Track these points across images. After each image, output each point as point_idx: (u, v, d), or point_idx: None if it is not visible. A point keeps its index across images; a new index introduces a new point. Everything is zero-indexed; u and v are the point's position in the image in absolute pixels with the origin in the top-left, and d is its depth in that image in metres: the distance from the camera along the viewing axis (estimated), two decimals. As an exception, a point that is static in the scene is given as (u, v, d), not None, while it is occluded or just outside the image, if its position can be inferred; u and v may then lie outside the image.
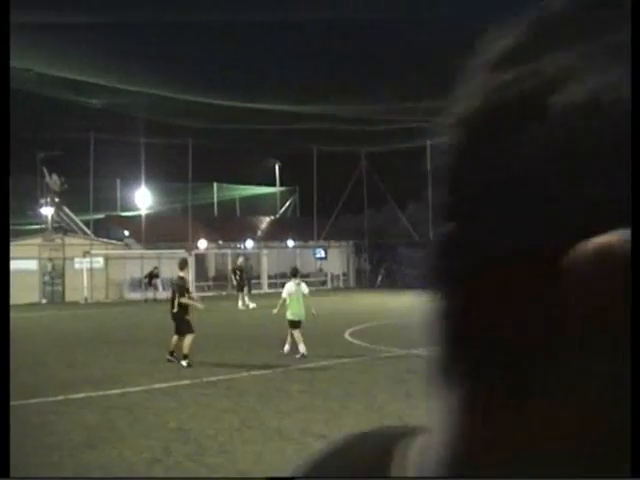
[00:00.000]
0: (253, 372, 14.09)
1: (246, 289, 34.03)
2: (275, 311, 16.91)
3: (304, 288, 16.97)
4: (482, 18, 32.38)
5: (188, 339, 15.18)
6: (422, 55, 34.45)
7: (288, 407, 10.68)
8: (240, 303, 33.06)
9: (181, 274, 16.23)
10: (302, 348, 15.75)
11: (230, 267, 47.90)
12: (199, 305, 16.93)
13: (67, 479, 7.93)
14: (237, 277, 34.66)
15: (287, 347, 16.28)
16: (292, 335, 16.19)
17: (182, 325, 15.27)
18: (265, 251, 52.87)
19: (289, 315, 16.30)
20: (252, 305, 32.91)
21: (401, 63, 36.20)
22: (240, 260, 36.14)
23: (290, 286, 16.76)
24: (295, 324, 16.18)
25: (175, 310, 15.66)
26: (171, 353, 15.29)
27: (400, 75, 37.18)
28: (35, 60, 31.57)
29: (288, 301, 16.46)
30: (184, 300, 15.67)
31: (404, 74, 36.59)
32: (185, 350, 15.04)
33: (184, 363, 14.80)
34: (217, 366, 15.05)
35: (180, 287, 15.95)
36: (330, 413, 10.17)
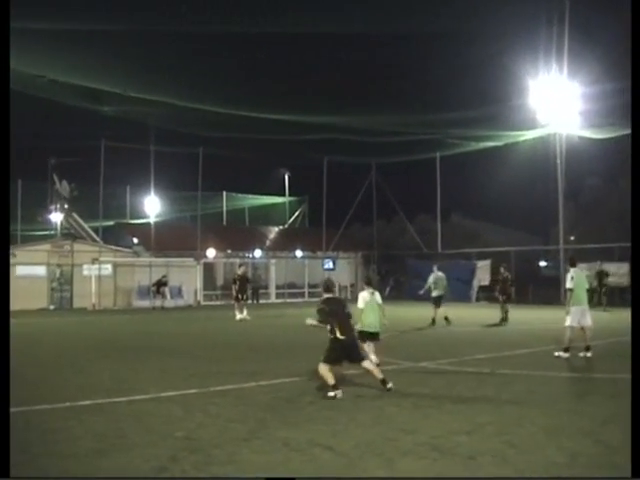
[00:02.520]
0: (262, 382, 14.08)
1: (249, 299, 32.90)
2: (359, 326, 14.87)
3: (378, 297, 15.55)
4: (492, 34, 32.44)
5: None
6: (433, 69, 34.50)
7: (296, 418, 10.68)
8: (238, 313, 32.32)
9: None
10: (374, 359, 14.83)
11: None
12: None
13: (67, 479, 7.92)
14: (236, 286, 32.97)
15: (374, 357, 15.02)
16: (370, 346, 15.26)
17: None
18: (273, 261, 52.90)
19: (362, 327, 15.10)
20: (240, 316, 32.15)
21: (413, 76, 36.25)
22: (242, 269, 34.60)
23: (365, 295, 15.35)
24: (368, 336, 15.23)
25: None
26: None
27: (411, 87, 37.25)
28: (49, 67, 31.67)
29: (362, 312, 15.18)
30: None
31: (416, 87, 36.64)
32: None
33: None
34: (226, 376, 15.07)
35: None
36: (338, 424, 10.15)
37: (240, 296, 32.71)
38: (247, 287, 34.83)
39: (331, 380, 12.46)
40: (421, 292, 30.13)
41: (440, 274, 29.83)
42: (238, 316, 32.10)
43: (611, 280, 38.22)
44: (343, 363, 13.14)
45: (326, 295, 13.62)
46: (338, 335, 12.68)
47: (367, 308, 15.16)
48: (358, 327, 14.81)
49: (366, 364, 13.24)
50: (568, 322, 17.71)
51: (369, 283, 15.89)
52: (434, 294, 29.29)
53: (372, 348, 15.32)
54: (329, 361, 12.72)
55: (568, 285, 17.93)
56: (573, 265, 18.42)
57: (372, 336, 15.26)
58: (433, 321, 28.39)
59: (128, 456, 8.60)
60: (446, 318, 28.38)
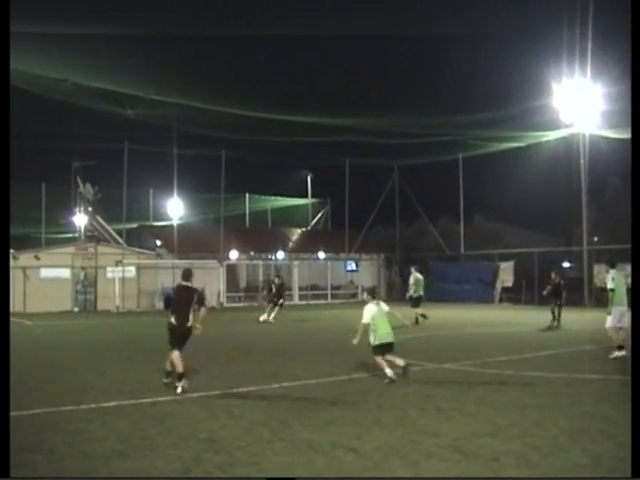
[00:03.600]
0: (284, 384, 14.12)
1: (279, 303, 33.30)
2: (355, 341, 14.53)
3: (385, 306, 14.90)
4: (515, 35, 32.36)
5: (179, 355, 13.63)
6: (456, 70, 34.42)
7: (319, 419, 10.70)
8: (265, 316, 32.52)
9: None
10: (389, 372, 14.24)
11: (263, 278, 47.99)
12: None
13: (67, 479, 7.97)
14: (272, 290, 33.84)
15: (389, 371, 14.25)
16: (387, 360, 14.48)
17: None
18: (296, 262, 52.93)
19: (377, 340, 14.45)
20: (264, 318, 32.49)
21: (436, 78, 36.19)
22: (275, 277, 35.57)
23: (370, 308, 14.67)
24: (386, 348, 14.54)
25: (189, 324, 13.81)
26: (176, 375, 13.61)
27: (433, 89, 37.19)
28: (71, 70, 31.87)
29: (372, 326, 14.49)
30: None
31: (438, 88, 36.58)
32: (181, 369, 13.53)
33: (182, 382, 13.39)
34: (248, 377, 15.10)
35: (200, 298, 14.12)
36: (361, 426, 10.17)
37: (277, 300, 33.27)
38: (284, 293, 35.49)
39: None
40: (410, 294, 30.70)
41: (419, 276, 30.81)
42: (262, 317, 32.31)
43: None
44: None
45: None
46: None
47: (378, 320, 14.55)
48: (373, 342, 14.54)
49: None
50: (609, 323, 17.63)
51: (373, 294, 15.43)
52: (415, 295, 30.15)
53: (395, 359, 14.60)
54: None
55: (609, 285, 17.85)
56: (613, 266, 18.32)
57: (389, 347, 14.64)
58: (417, 320, 28.87)
59: (151, 457, 8.65)
60: (423, 315, 29.42)
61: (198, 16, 27.89)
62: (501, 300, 47.13)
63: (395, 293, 51.44)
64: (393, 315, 15.11)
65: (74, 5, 24.80)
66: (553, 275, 28.80)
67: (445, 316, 34.72)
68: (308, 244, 56.25)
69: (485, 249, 52.01)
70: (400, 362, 14.54)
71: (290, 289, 52.14)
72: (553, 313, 27.86)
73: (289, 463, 8.32)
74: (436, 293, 49.44)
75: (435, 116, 37.30)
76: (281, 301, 33.55)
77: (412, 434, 9.68)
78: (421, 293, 30.38)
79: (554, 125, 41.13)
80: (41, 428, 10.29)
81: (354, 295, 53.64)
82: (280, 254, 52.61)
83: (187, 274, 14.35)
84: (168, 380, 13.83)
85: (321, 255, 53.90)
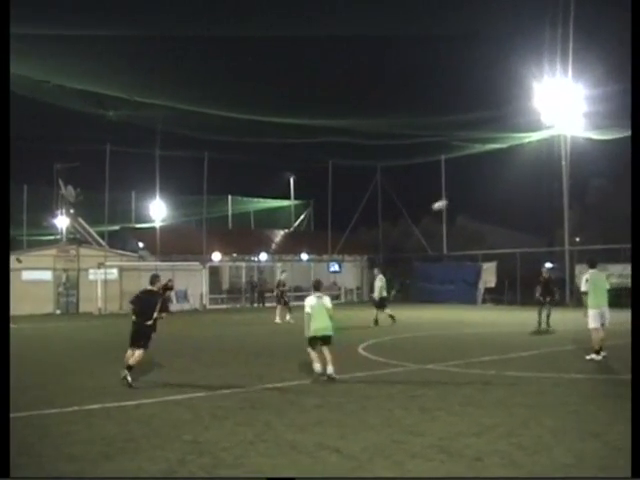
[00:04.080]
0: (268, 385, 14.11)
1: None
2: (308, 332, 14.89)
3: (327, 302, 15.05)
4: (497, 36, 32.45)
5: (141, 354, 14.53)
6: (438, 71, 34.47)
7: (303, 421, 10.69)
8: (279, 318, 32.99)
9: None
10: (330, 369, 14.49)
11: (246, 280, 47.89)
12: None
13: (67, 479, 7.95)
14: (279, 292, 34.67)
15: (317, 366, 14.60)
16: (322, 352, 14.71)
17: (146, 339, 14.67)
18: (279, 264, 52.88)
19: (311, 332, 14.77)
20: (279, 320, 32.95)
21: (417, 79, 36.23)
22: (284, 275, 36.63)
23: (309, 300, 15.06)
24: (319, 341, 14.77)
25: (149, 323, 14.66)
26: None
27: (415, 90, 37.23)
28: (53, 71, 31.73)
29: (310, 317, 14.81)
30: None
31: (420, 89, 36.62)
32: (132, 362, 14.38)
33: (126, 373, 14.14)
34: (234, 378, 15.09)
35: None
36: (346, 427, 10.17)
37: (284, 301, 34.11)
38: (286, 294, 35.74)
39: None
40: (375, 296, 30.99)
41: (382, 278, 31.05)
42: (278, 319, 32.92)
43: (617, 281, 38.09)
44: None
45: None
46: None
47: (315, 312, 14.79)
48: (307, 333, 14.85)
49: None
50: (591, 325, 17.62)
51: (317, 288, 15.55)
52: (378, 297, 30.39)
53: (329, 357, 14.67)
54: None
55: (583, 288, 17.84)
56: (593, 266, 18.25)
57: (324, 340, 14.78)
58: (376, 322, 29.58)
59: (136, 459, 8.62)
60: (376, 320, 29.67)
61: (181, 17, 27.84)
62: (484, 301, 47.26)
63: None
64: (331, 312, 14.99)
65: (55, 6, 24.68)
66: (543, 272, 28.25)
67: (428, 317, 34.82)
68: (291, 246, 56.25)
69: (468, 250, 52.14)
70: (329, 369, 14.46)
71: (272, 290, 52.13)
72: (540, 315, 26.86)
73: (273, 464, 8.31)
74: (420, 294, 49.64)
75: (418, 117, 37.36)
76: (285, 300, 34.20)
77: (397, 434, 9.68)
78: (384, 294, 30.65)
79: (536, 126, 41.31)
80: (28, 431, 10.23)
81: (337, 297, 53.61)
82: (263, 256, 52.58)
83: (152, 279, 15.47)
84: (125, 374, 14.21)
85: (304, 257, 53.89)
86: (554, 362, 17.44)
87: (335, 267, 55.58)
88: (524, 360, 18.07)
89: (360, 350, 20.27)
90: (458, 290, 48.31)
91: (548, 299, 27.18)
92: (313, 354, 14.80)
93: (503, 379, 14.65)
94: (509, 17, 30.47)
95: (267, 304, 48.69)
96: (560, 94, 39.31)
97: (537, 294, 27.58)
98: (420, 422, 10.52)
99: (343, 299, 54.26)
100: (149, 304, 14.86)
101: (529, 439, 9.33)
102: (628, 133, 36.77)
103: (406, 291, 51.89)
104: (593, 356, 17.40)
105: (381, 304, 30.21)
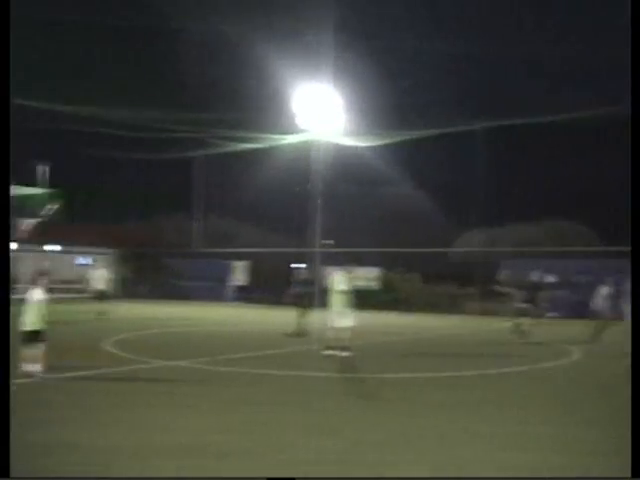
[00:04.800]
0: None
1: None
2: (21, 327, 13.49)
3: (40, 295, 13.88)
4: (263, 37, 32.78)
5: None
6: (196, 66, 34.32)
7: (42, 418, 10.23)
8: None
9: None
10: (37, 367, 13.47)
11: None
12: None
13: (67, 479, 7.58)
14: None
15: (38, 366, 13.50)
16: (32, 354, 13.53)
17: None
18: (25, 254, 50.60)
19: (24, 326, 13.52)
20: None
21: (175, 74, 35.95)
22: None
23: (28, 292, 13.96)
24: (33, 335, 13.52)
25: None
26: None
27: (175, 84, 36.92)
28: None
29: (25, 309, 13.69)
30: None
31: (178, 84, 36.34)
32: None
33: None
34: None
35: None
36: (96, 424, 9.86)
37: None
38: None
39: None
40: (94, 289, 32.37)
41: (104, 271, 33.32)
42: None
43: (362, 284, 39.48)
44: None
45: None
46: None
47: (27, 308, 13.70)
48: (21, 328, 13.52)
49: None
50: (335, 324, 18.23)
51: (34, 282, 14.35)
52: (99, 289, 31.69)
53: (40, 352, 13.66)
54: None
55: (331, 289, 18.57)
56: (342, 269, 19.00)
57: (35, 335, 13.60)
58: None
59: None
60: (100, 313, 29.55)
61: None
62: (236, 299, 47.65)
63: (129, 289, 50.48)
64: (44, 308, 13.90)
65: None
66: (296, 273, 28.19)
67: (177, 313, 34.66)
68: (41, 235, 53.99)
69: (221, 247, 52.24)
70: (37, 367, 13.56)
71: (15, 281, 49.78)
72: (299, 317, 25.32)
73: None
74: (172, 290, 49.24)
75: (176, 112, 37.04)
76: None
77: (144, 432, 9.50)
78: (102, 287, 31.65)
79: (293, 129, 42.13)
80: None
81: (85, 290, 52.00)
82: (12, 245, 50.13)
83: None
84: None
85: (52, 247, 51.97)
86: (298, 360, 17.85)
87: (85, 260, 53.95)
88: (269, 358, 18.33)
89: (107, 347, 19.64)
90: (210, 288, 48.40)
91: (300, 302, 26.89)
92: (23, 353, 13.50)
93: (248, 377, 14.79)
94: (276, 19, 30.92)
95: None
96: (319, 99, 40.36)
97: (290, 293, 27.14)
98: (171, 419, 10.35)
99: (92, 294, 52.82)
100: None
101: (268, 436, 9.44)
102: (382, 141, 38.48)
103: (158, 287, 51.26)
104: (330, 352, 17.99)
105: (101, 296, 30.99)
